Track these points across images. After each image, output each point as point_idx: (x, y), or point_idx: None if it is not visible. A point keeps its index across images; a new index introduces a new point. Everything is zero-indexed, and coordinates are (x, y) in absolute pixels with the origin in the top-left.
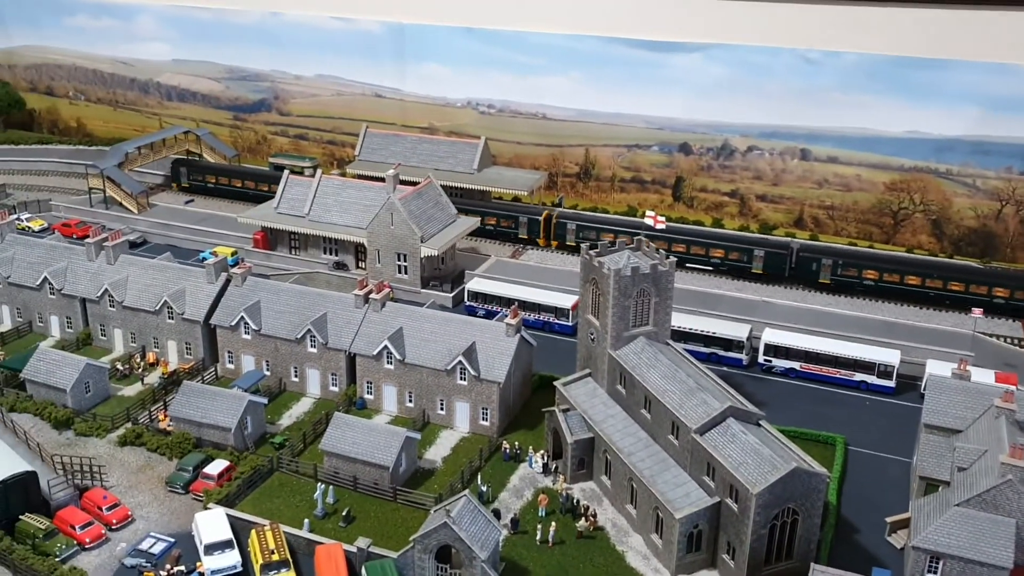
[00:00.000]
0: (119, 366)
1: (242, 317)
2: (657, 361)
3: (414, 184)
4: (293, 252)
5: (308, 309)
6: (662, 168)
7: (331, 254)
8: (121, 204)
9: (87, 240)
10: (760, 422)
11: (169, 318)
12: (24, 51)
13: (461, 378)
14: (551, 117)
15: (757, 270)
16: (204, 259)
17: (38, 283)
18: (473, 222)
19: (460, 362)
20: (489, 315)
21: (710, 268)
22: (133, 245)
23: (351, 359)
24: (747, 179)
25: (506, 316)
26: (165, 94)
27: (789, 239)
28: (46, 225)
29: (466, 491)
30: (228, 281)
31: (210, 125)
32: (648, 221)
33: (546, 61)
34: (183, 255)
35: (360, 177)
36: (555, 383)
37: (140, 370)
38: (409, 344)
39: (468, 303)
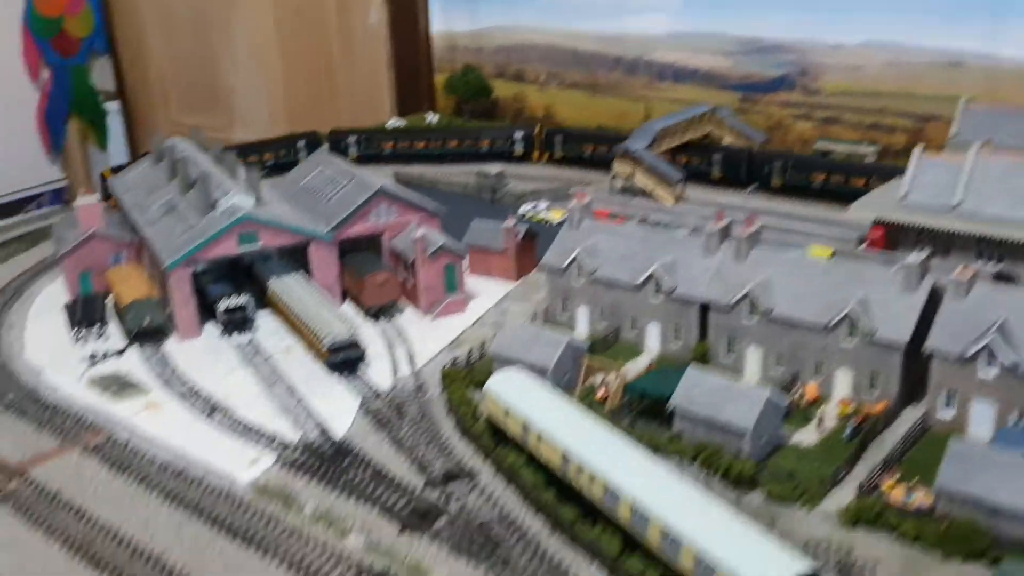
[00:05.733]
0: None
1: (986, 347)
2: None
3: None
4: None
5: None
6: None
7: (988, 260)
8: (647, 193)
9: (707, 228)
10: None
11: (849, 335)
12: (494, 32)
13: None
14: None
15: None
16: None
17: (640, 281)
18: None
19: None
20: None
21: None
22: None
23: None
24: None
25: None
26: (656, 73)
27: None
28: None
29: None
30: (935, 290)
31: None
32: None
33: None
34: None
35: None
36: None
37: (802, 407)
38: None
39: None
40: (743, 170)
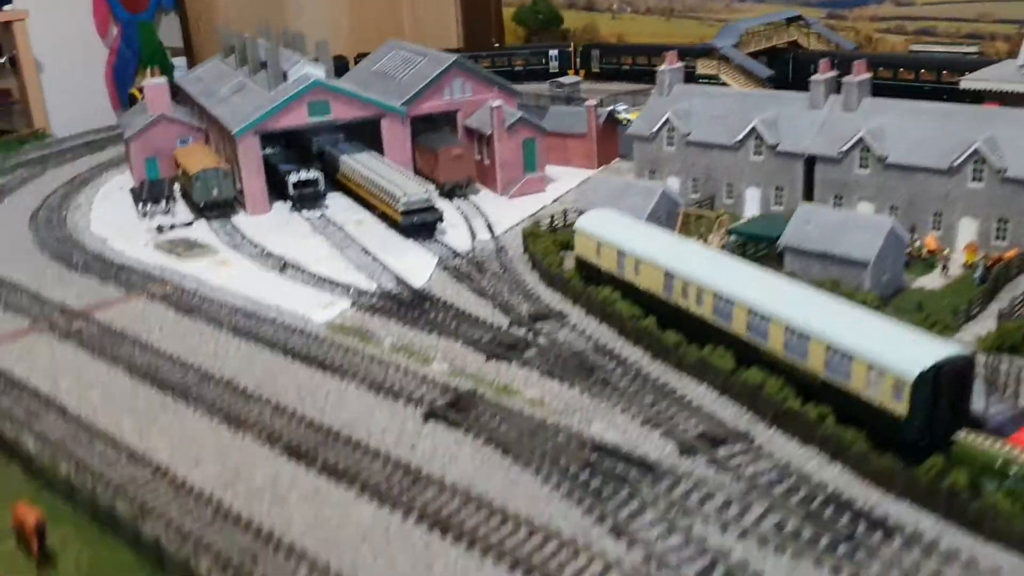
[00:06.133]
0: None
1: None
2: None
3: None
4: None
5: None
6: None
7: None
8: None
9: (813, 78)
10: None
11: (975, 180)
12: None
13: None
14: None
15: None
16: None
17: (738, 139)
18: None
19: None
20: None
21: None
22: None
23: None
24: None
25: None
26: None
27: None
28: None
29: None
30: None
31: None
32: None
33: None
34: None
35: None
36: None
37: (921, 255)
38: None
39: None
40: (789, 71)
